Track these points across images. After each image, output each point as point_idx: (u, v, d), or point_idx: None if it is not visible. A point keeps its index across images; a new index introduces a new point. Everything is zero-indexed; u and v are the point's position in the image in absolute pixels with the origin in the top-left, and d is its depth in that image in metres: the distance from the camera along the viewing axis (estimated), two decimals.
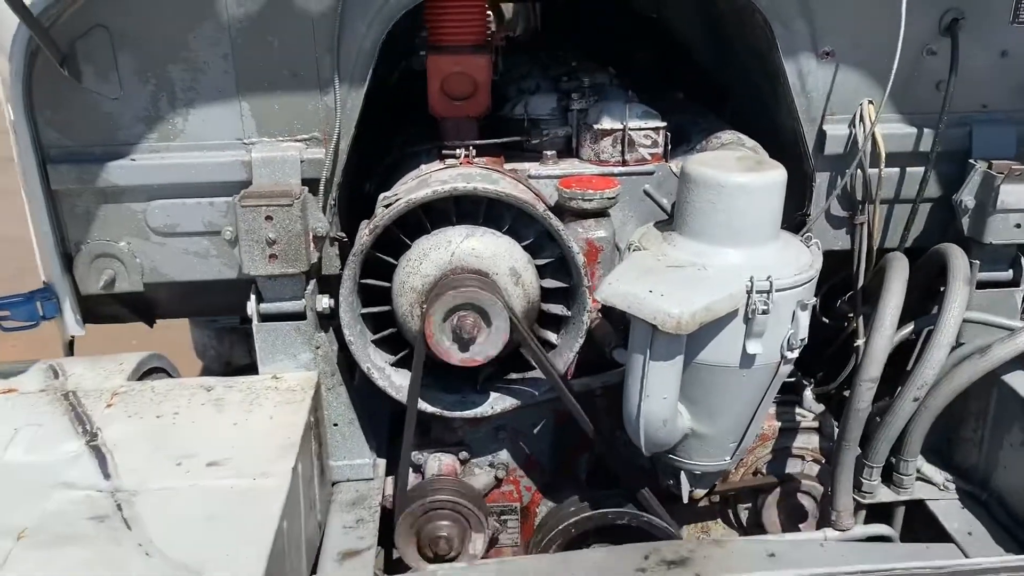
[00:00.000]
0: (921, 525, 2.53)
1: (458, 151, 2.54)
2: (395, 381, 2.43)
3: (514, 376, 2.52)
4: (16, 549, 1.76)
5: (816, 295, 2.83)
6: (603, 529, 2.54)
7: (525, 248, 2.37)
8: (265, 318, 2.42)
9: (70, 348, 2.73)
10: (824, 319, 2.86)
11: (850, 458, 2.39)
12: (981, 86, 2.53)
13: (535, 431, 2.67)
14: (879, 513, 2.56)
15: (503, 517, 2.73)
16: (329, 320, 2.49)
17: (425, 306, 2.24)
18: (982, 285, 2.53)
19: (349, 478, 2.61)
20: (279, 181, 2.39)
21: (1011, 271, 2.56)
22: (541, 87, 2.81)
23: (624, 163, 2.61)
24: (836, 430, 2.68)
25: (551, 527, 2.54)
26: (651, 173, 2.62)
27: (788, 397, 2.80)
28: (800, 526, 2.68)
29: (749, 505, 2.75)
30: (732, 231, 2.14)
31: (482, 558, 2.50)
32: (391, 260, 2.36)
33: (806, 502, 2.67)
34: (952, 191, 2.54)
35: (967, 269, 2.33)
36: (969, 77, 2.49)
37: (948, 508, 2.49)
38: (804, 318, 2.15)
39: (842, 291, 2.79)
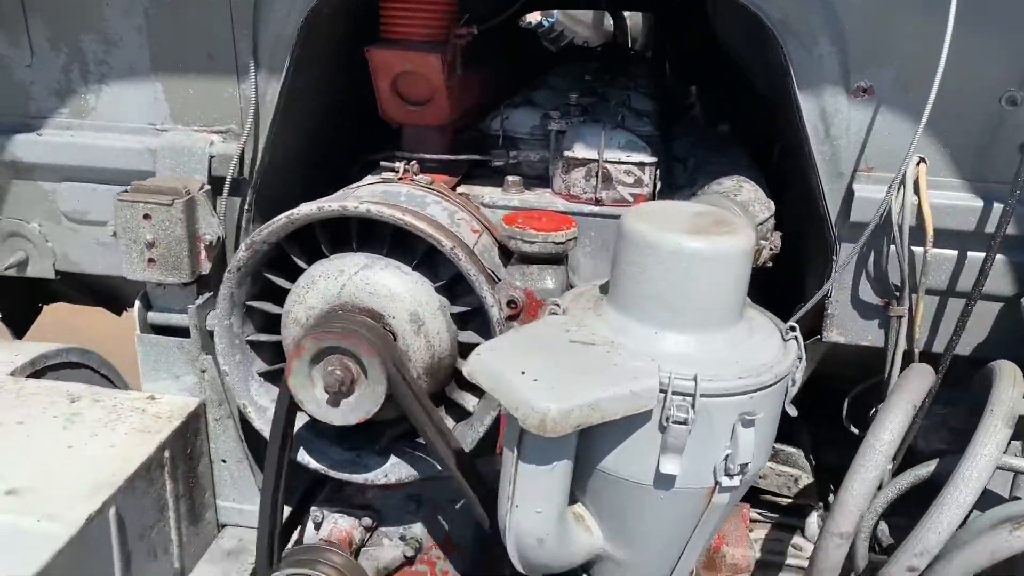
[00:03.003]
0: None
1: (397, 164, 2.14)
2: (262, 421, 2.07)
3: (422, 441, 2.09)
4: None
5: (848, 397, 2.25)
6: None
7: (442, 290, 1.95)
8: (152, 329, 2.13)
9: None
10: (853, 428, 2.24)
11: None
12: None
13: (458, 508, 2.23)
14: None
15: None
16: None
17: (292, 346, 1.87)
18: None
19: (237, 523, 2.28)
20: (183, 175, 2.09)
21: None
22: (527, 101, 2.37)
23: (598, 202, 2.12)
24: None
25: None
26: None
27: (788, 520, 2.21)
28: None
29: None
30: (666, 308, 1.61)
31: None
32: (286, 284, 2.00)
33: None
34: None
35: (1014, 400, 1.68)
36: None
37: None
38: (746, 437, 1.59)
39: (876, 398, 2.16)
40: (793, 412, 1.71)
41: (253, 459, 2.23)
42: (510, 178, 2.19)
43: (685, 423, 1.53)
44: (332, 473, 2.07)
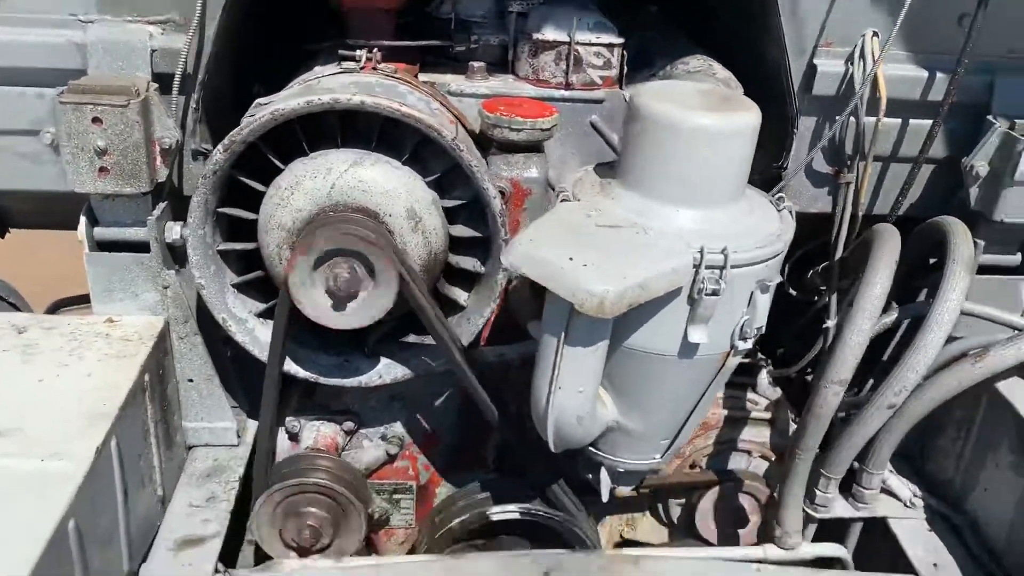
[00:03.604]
0: (880, 547, 2.15)
1: (359, 53, 2.02)
2: (259, 336, 1.98)
3: (413, 339, 2.07)
4: None
5: (786, 262, 2.41)
6: (508, 523, 2.13)
7: (432, 184, 1.89)
8: (100, 246, 1.94)
9: None
10: (791, 290, 2.43)
11: (805, 468, 1.99)
12: (1014, 26, 2.03)
13: (437, 403, 2.24)
14: (831, 529, 2.18)
15: (396, 496, 2.32)
16: (184, 254, 2.00)
17: (291, 249, 1.77)
18: (983, 270, 2.10)
19: (208, 443, 2.17)
20: (121, 74, 1.87)
21: (1020, 256, 2.13)
22: None
23: (568, 86, 2.11)
24: (792, 426, 2.29)
25: (447, 518, 2.13)
26: (600, 101, 2.12)
27: (739, 379, 2.38)
28: (739, 532, 2.30)
29: (683, 501, 2.36)
30: (686, 186, 1.66)
31: (367, 544, 2.11)
32: (259, 187, 1.87)
33: (747, 504, 2.28)
34: (963, 153, 2.08)
35: (971, 251, 1.89)
36: (1000, 13, 1.99)
37: (913, 530, 2.10)
38: (764, 302, 1.71)
39: (817, 259, 2.34)
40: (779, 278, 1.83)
41: (223, 377, 2.12)
42: (475, 64, 2.12)
43: (716, 294, 1.61)
44: (323, 380, 2.01)
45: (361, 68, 2.01)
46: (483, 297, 1.96)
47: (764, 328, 1.75)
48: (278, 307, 1.80)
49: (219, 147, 1.76)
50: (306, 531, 1.99)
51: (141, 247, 1.94)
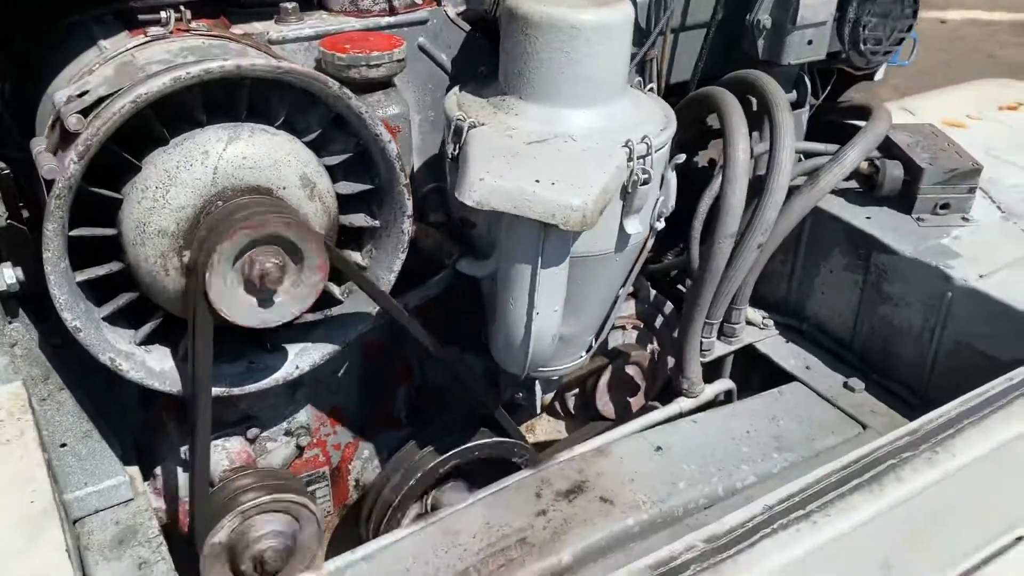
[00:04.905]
0: (751, 369, 2.45)
1: (163, 15, 1.71)
2: (151, 366, 1.68)
3: (310, 318, 1.89)
4: None
5: None
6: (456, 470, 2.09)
7: (309, 145, 1.70)
8: None
9: None
10: None
11: (700, 323, 2.18)
12: None
13: (338, 376, 2.08)
14: (709, 368, 2.43)
15: (311, 487, 2.15)
16: (19, 301, 1.62)
17: (195, 256, 1.51)
18: None
19: (97, 508, 1.83)
20: None
21: (795, 92, 2.45)
22: None
23: (392, 11, 1.98)
24: (652, 294, 2.48)
25: (398, 486, 2.03)
26: (424, 22, 2.02)
27: None
28: (630, 400, 2.48)
29: (577, 391, 2.48)
30: (589, 86, 1.69)
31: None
32: (114, 195, 1.55)
33: (635, 373, 2.45)
34: (740, 14, 2.32)
35: (784, 94, 2.15)
36: None
37: (775, 346, 2.43)
38: (673, 181, 1.82)
39: None
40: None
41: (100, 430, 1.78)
42: (287, 6, 1.90)
43: (648, 182, 1.69)
44: (237, 391, 1.77)
45: (171, 32, 1.72)
46: (387, 252, 1.83)
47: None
48: (196, 323, 1.54)
49: (71, 156, 1.42)
50: (268, 553, 1.79)
51: None
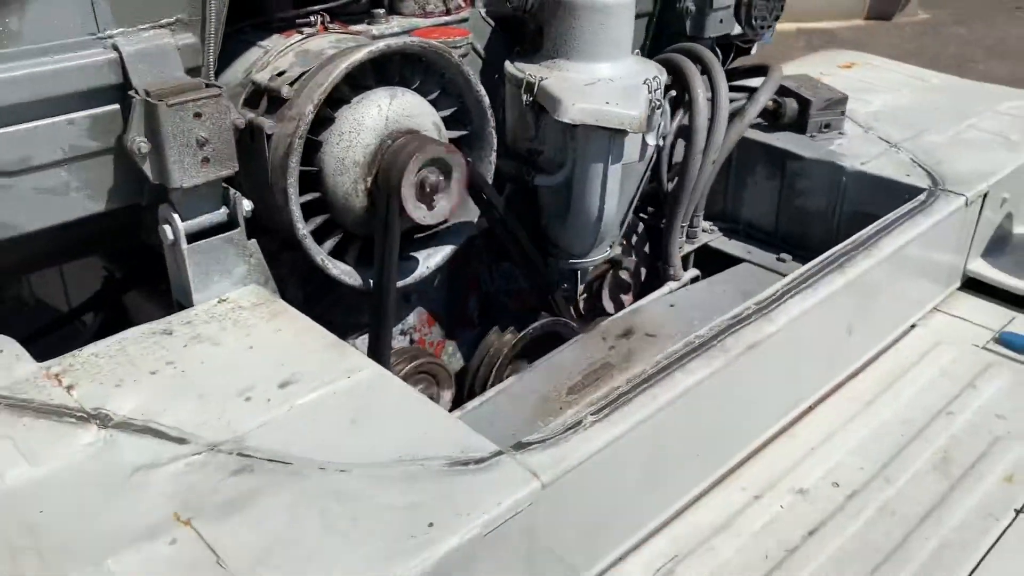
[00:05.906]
0: (707, 262, 3.31)
1: (313, 19, 2.39)
2: (341, 270, 2.33)
3: (419, 235, 2.57)
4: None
5: None
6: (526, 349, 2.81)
7: (431, 103, 2.42)
8: (190, 239, 2.09)
9: None
10: None
11: (679, 224, 3.03)
12: None
13: (434, 286, 2.77)
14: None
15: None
16: (247, 224, 2.23)
17: (388, 173, 2.19)
18: None
19: None
20: (161, 78, 2.02)
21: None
22: None
23: (448, 12, 2.72)
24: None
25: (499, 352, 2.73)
26: (467, 20, 2.77)
27: None
28: (624, 298, 3.29)
29: (585, 295, 3.26)
30: (616, 47, 2.50)
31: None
32: (316, 139, 2.21)
33: (626, 276, 3.26)
34: (671, 3, 3.20)
35: (716, 57, 3.05)
36: None
37: (723, 243, 3.32)
38: (668, 109, 2.66)
39: None
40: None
41: None
42: (379, 11, 2.60)
43: (661, 106, 2.52)
44: (408, 281, 2.44)
45: (316, 31, 2.39)
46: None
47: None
48: (388, 219, 2.21)
49: (309, 107, 2.07)
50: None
51: (225, 226, 2.13)
